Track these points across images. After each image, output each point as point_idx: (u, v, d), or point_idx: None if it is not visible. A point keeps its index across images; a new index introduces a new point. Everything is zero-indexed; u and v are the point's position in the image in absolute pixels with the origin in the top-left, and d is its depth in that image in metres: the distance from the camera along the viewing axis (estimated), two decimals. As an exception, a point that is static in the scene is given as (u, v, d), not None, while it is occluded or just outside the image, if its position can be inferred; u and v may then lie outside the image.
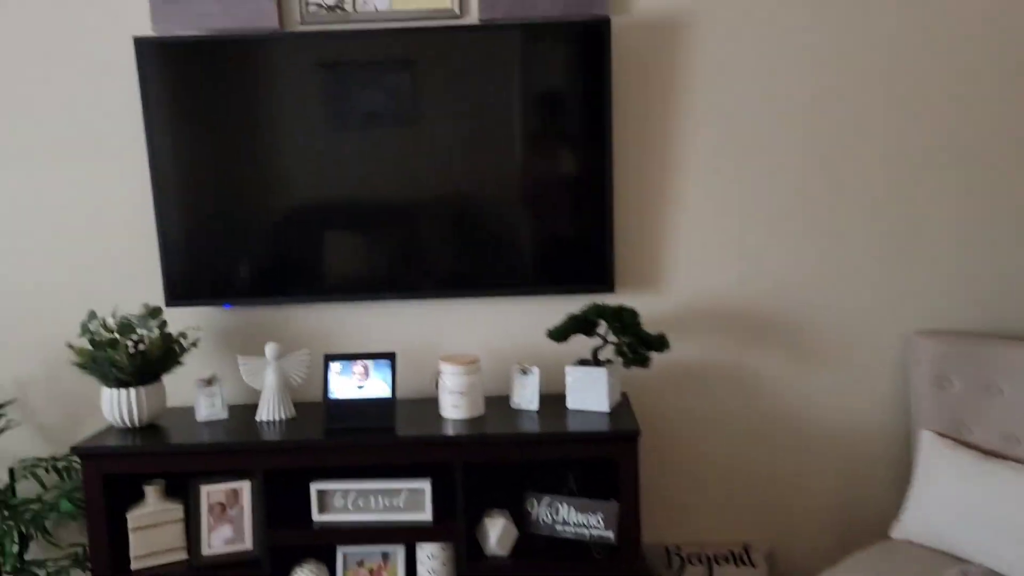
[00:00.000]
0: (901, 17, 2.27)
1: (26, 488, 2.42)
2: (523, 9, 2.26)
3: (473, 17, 2.30)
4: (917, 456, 2.20)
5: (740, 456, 2.44)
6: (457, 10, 2.28)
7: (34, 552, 2.40)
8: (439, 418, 2.19)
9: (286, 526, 2.14)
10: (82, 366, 2.17)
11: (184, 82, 2.26)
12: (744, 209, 2.36)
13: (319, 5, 2.29)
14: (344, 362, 2.19)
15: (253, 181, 2.29)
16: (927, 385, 2.23)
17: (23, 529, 2.29)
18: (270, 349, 2.26)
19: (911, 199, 2.33)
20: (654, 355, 2.19)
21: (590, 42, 2.22)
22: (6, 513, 2.29)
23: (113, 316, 2.22)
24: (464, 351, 2.44)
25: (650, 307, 2.39)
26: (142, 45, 2.24)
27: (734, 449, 2.44)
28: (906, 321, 2.37)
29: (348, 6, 2.29)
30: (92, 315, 2.21)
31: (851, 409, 2.41)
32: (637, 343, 2.16)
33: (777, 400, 2.42)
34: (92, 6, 2.32)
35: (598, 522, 2.12)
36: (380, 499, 2.15)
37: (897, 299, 2.37)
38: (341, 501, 2.16)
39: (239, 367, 2.27)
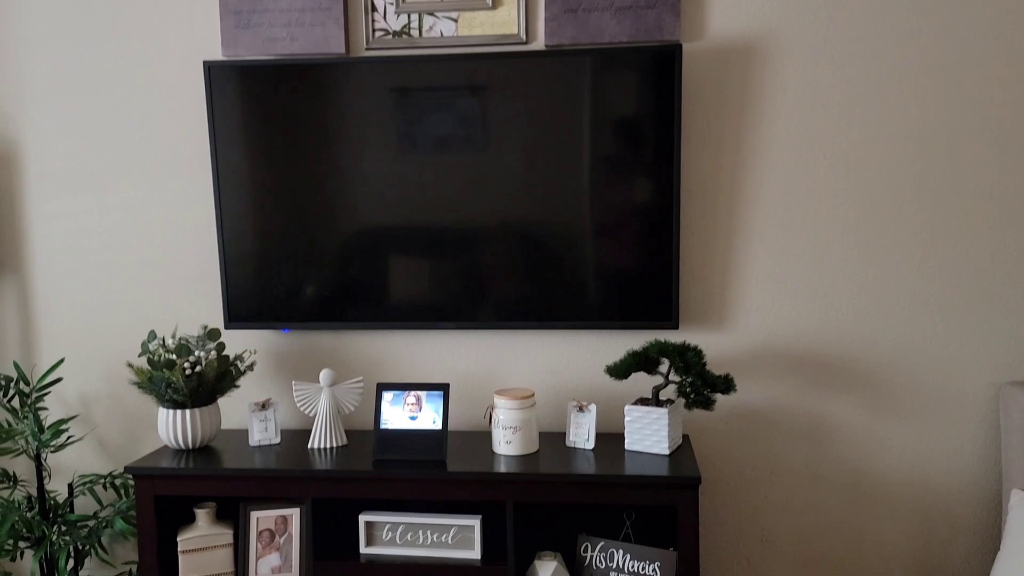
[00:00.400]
0: (998, 45, 2.12)
1: (84, 504, 2.45)
2: (590, 35, 2.21)
3: (539, 43, 2.25)
4: (1006, 519, 2.02)
5: (808, 509, 2.30)
6: (523, 36, 2.24)
7: (88, 569, 2.43)
8: (491, 453, 2.12)
9: (333, 557, 2.10)
10: (140, 385, 2.19)
11: (252, 105, 2.28)
12: (820, 246, 2.23)
13: (385, 31, 2.29)
14: (397, 392, 2.15)
15: (316, 205, 2.29)
16: (1020, 440, 2.05)
17: (78, 545, 2.31)
18: (324, 375, 2.23)
19: (1004, 239, 2.17)
20: (718, 397, 2.09)
21: (660, 68, 2.15)
22: (63, 528, 2.32)
23: (173, 337, 2.23)
24: (520, 384, 2.37)
25: (715, 346, 2.28)
26: (212, 69, 2.27)
27: (801, 501, 2.30)
28: (998, 369, 2.20)
29: (414, 32, 2.28)
30: (152, 335, 2.23)
31: (933, 464, 2.24)
32: (701, 384, 2.06)
33: (850, 450, 2.27)
34: (165, 31, 2.36)
35: (655, 571, 2.01)
36: (429, 534, 2.09)
37: (988, 345, 2.20)
38: (389, 534, 2.11)
39: (293, 392, 2.25)
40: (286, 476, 2.06)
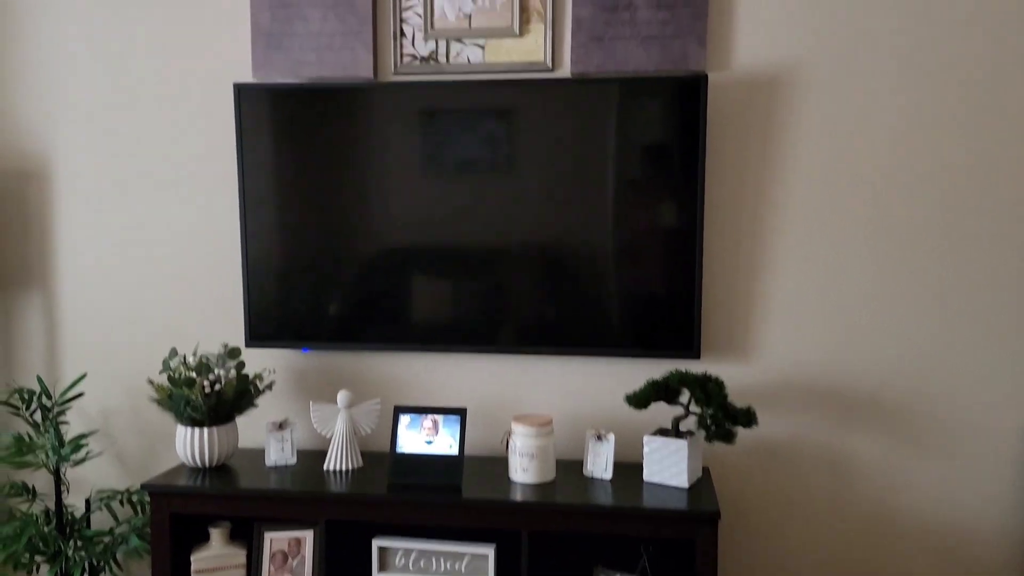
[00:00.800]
0: (1029, 79, 2.10)
1: (100, 519, 2.46)
2: (616, 63, 2.21)
3: (565, 70, 2.26)
4: (1038, 565, 1.96)
5: (830, 547, 2.24)
6: (550, 63, 2.25)
7: (102, 583, 2.43)
8: (507, 481, 2.10)
9: (345, 581, 2.09)
10: (160, 402, 2.20)
11: (279, 127, 2.30)
12: (845, 277, 2.20)
13: (413, 56, 2.31)
14: (414, 415, 2.14)
15: (340, 225, 2.30)
16: (1051, 484, 1.99)
17: (94, 561, 2.31)
18: (342, 397, 2.23)
19: (1036, 276, 2.13)
20: (740, 430, 2.05)
21: (685, 98, 2.14)
22: (79, 543, 2.32)
23: (194, 354, 2.24)
24: (538, 409, 2.35)
25: (737, 377, 2.25)
26: (241, 91, 2.30)
27: (823, 539, 2.24)
28: (1027, 410, 2.15)
29: (442, 58, 2.29)
30: (173, 352, 2.24)
31: (960, 506, 2.18)
32: (722, 416, 2.03)
33: (875, 489, 2.22)
34: (198, 52, 2.40)
35: (671, 607, 1.97)
36: (442, 562, 2.07)
37: (1018, 383, 2.15)
38: (402, 560, 2.09)
39: (310, 413, 2.25)
40: (300, 498, 2.05)
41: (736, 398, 2.16)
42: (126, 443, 2.52)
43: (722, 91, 2.21)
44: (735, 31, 2.20)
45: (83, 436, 2.34)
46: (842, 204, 2.19)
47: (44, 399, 2.36)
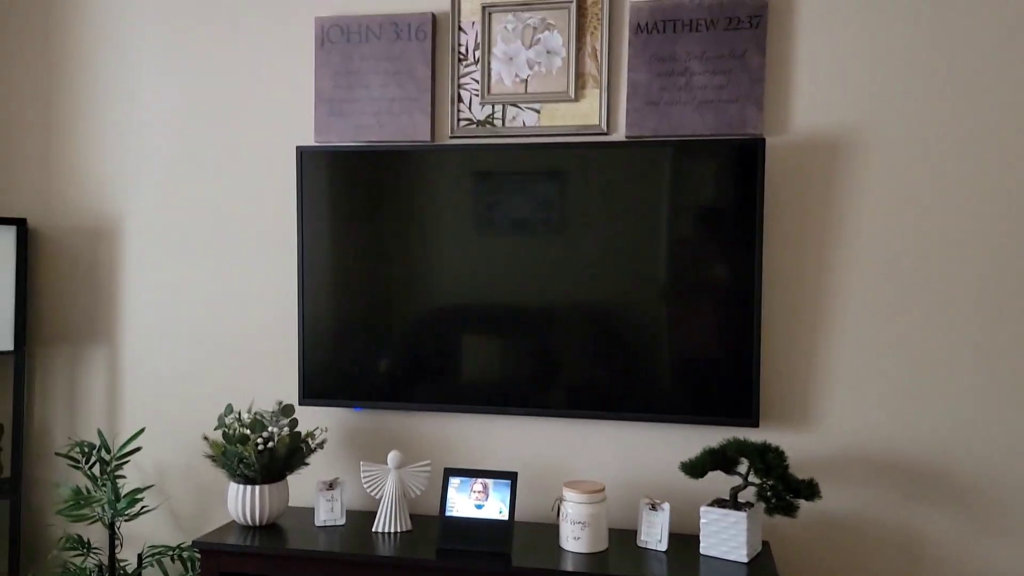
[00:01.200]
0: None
1: (151, 575, 2.46)
2: (671, 127, 2.21)
3: (620, 134, 2.27)
4: None
5: (902, 630, 2.12)
6: (604, 126, 2.27)
7: (150, 641, 2.43)
8: (558, 549, 2.04)
9: (390, 649, 2.04)
10: (214, 459, 2.22)
11: (339, 189, 2.35)
12: (912, 345, 2.12)
13: (470, 120, 2.35)
14: (464, 478, 2.11)
15: (397, 285, 2.33)
16: None
17: (142, 617, 2.32)
18: (392, 457, 2.22)
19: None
20: (802, 503, 1.97)
21: (743, 161, 2.13)
22: (129, 598, 2.33)
23: (249, 411, 2.27)
24: (589, 475, 2.30)
25: (797, 447, 2.17)
26: (304, 154, 2.37)
27: (895, 621, 2.12)
28: (1114, 490, 2.02)
29: (497, 122, 2.33)
30: (229, 409, 2.27)
31: (1043, 589, 2.05)
32: (783, 488, 1.95)
33: (945, 569, 2.09)
34: (264, 117, 2.49)
35: None
36: (490, 632, 2.01)
37: (1102, 463, 2.02)
38: (449, 628, 2.04)
39: (360, 473, 2.24)
40: (349, 560, 2.03)
41: (795, 469, 2.07)
42: (179, 499, 2.54)
43: (780, 154, 2.19)
44: (792, 95, 2.19)
45: (139, 490, 2.36)
46: (904, 269, 2.13)
47: (104, 452, 2.41)
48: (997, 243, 2.08)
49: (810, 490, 1.95)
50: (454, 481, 2.11)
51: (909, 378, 2.13)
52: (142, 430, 2.44)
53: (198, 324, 2.54)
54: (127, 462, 2.43)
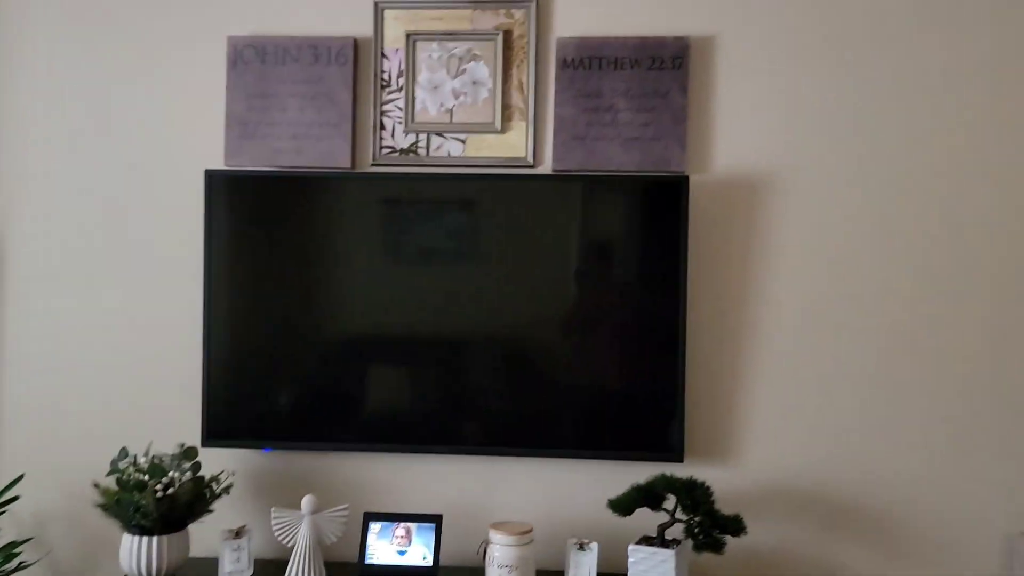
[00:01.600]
0: (1009, 182, 2.15)
1: (27, 638, 2.22)
2: (597, 162, 2.22)
3: (547, 167, 2.26)
4: None
5: (822, 663, 2.15)
6: (531, 159, 2.25)
7: None
8: (485, 595, 1.97)
9: None
10: (105, 508, 2.03)
11: (248, 215, 2.24)
12: (828, 382, 2.19)
13: (392, 148, 2.28)
14: (385, 523, 2.01)
15: (309, 318, 2.23)
16: (1041, 596, 1.95)
17: None
18: (306, 502, 2.08)
19: (1018, 382, 2.14)
20: (728, 539, 1.97)
21: (666, 198, 2.15)
22: (1, 667, 2.09)
23: (146, 455, 2.08)
24: (515, 515, 2.23)
25: (720, 481, 2.17)
26: (212, 176, 2.23)
27: (814, 653, 2.15)
28: (1010, 519, 2.12)
29: (421, 151, 2.27)
30: (124, 453, 2.09)
31: (950, 617, 2.13)
32: (710, 524, 1.95)
33: (865, 600, 2.15)
34: (169, 137, 2.34)
35: None
36: None
37: (1000, 494, 2.13)
38: None
39: (271, 520, 2.10)
40: (260, 616, 1.89)
41: (720, 504, 2.08)
42: (63, 552, 2.31)
43: (702, 192, 2.22)
44: (714, 135, 2.23)
45: (15, 544, 2.13)
46: (824, 306, 2.20)
47: (-26, 503, 2.16)
48: (914, 281, 2.18)
49: (737, 525, 1.96)
50: (374, 526, 2.01)
51: (827, 413, 2.19)
52: (21, 476, 2.21)
53: (89, 359, 2.33)
54: (3, 512, 2.18)
